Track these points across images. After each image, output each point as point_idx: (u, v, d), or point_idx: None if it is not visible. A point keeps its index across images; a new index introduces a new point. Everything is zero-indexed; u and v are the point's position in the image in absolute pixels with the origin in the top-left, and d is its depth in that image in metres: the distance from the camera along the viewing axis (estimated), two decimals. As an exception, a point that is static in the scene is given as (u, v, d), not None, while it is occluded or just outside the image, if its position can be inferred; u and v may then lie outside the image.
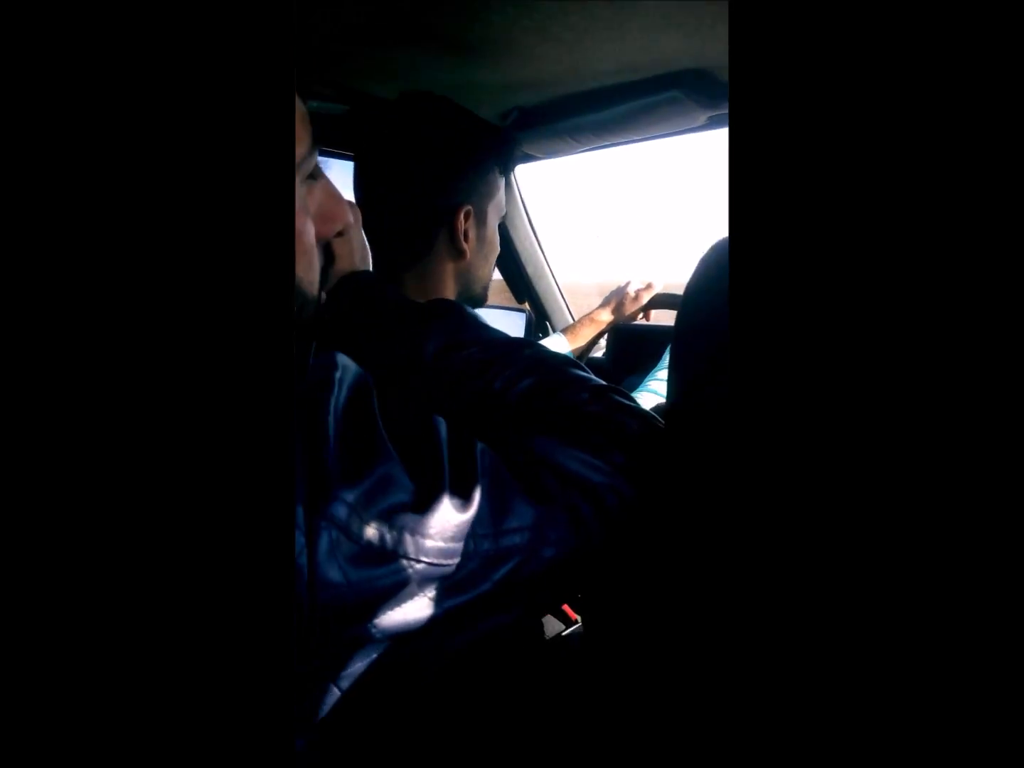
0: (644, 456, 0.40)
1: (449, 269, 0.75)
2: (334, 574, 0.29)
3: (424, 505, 0.31)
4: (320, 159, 0.42)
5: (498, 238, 0.82)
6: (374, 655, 0.31)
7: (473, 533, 0.33)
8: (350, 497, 0.30)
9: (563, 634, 0.87)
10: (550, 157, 1.15)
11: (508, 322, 1.24)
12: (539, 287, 1.42)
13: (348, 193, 0.55)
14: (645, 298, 1.12)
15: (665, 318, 1.16)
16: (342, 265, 0.51)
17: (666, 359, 0.83)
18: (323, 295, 0.45)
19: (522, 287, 1.42)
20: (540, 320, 1.45)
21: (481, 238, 0.77)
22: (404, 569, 0.31)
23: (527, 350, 0.47)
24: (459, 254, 0.74)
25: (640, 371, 1.02)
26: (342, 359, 0.34)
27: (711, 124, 0.92)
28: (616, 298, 1.13)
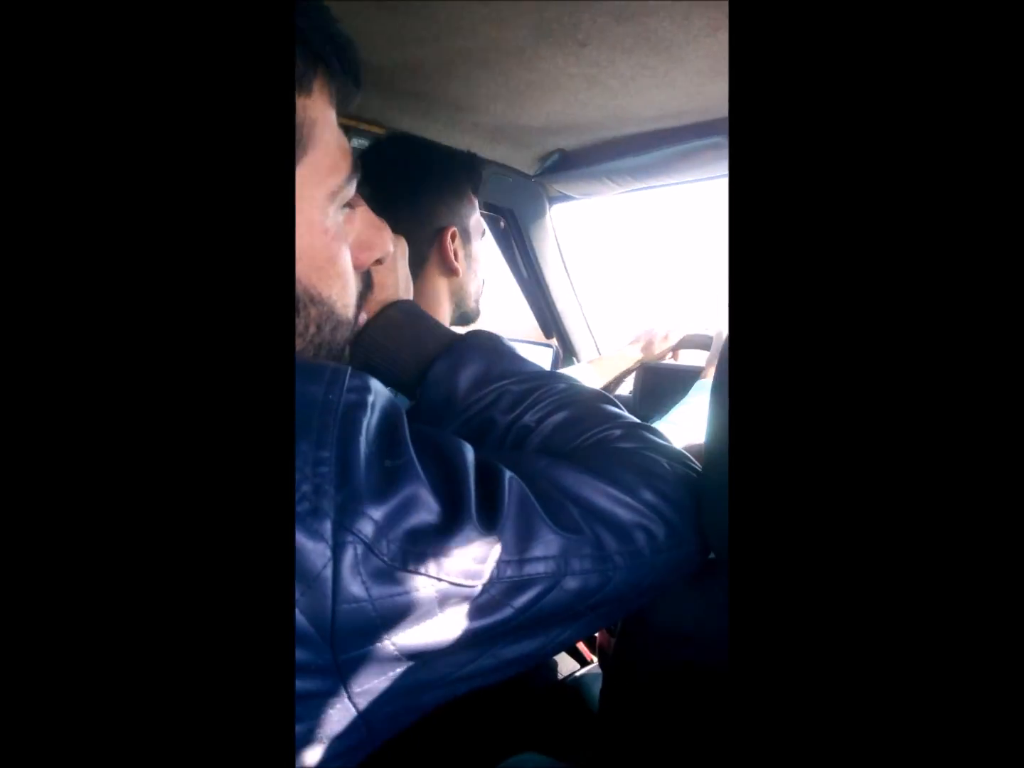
0: (676, 496, 0.40)
1: (443, 287, 0.85)
2: (356, 589, 0.29)
3: (449, 527, 0.32)
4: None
5: (483, 255, 0.91)
6: (391, 673, 0.32)
7: (497, 559, 0.33)
8: (377, 514, 0.30)
9: (576, 675, 0.86)
10: (587, 198, 1.17)
11: (535, 357, 1.25)
12: (568, 323, 1.44)
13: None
14: (675, 337, 1.12)
15: (693, 358, 1.16)
16: (383, 294, 0.52)
17: (690, 394, 0.84)
18: (361, 318, 0.46)
19: (551, 322, 1.44)
20: (568, 356, 1.46)
21: (468, 255, 0.87)
22: (426, 587, 0.31)
23: (561, 384, 0.47)
24: (451, 271, 0.84)
25: (667, 410, 1.02)
26: (375, 383, 0.35)
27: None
28: (646, 336, 1.14)
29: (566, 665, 0.90)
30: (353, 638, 0.30)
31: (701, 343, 1.14)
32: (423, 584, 0.31)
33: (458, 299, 0.86)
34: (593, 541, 0.36)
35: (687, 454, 0.44)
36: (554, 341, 1.45)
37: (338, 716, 0.31)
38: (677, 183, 1.03)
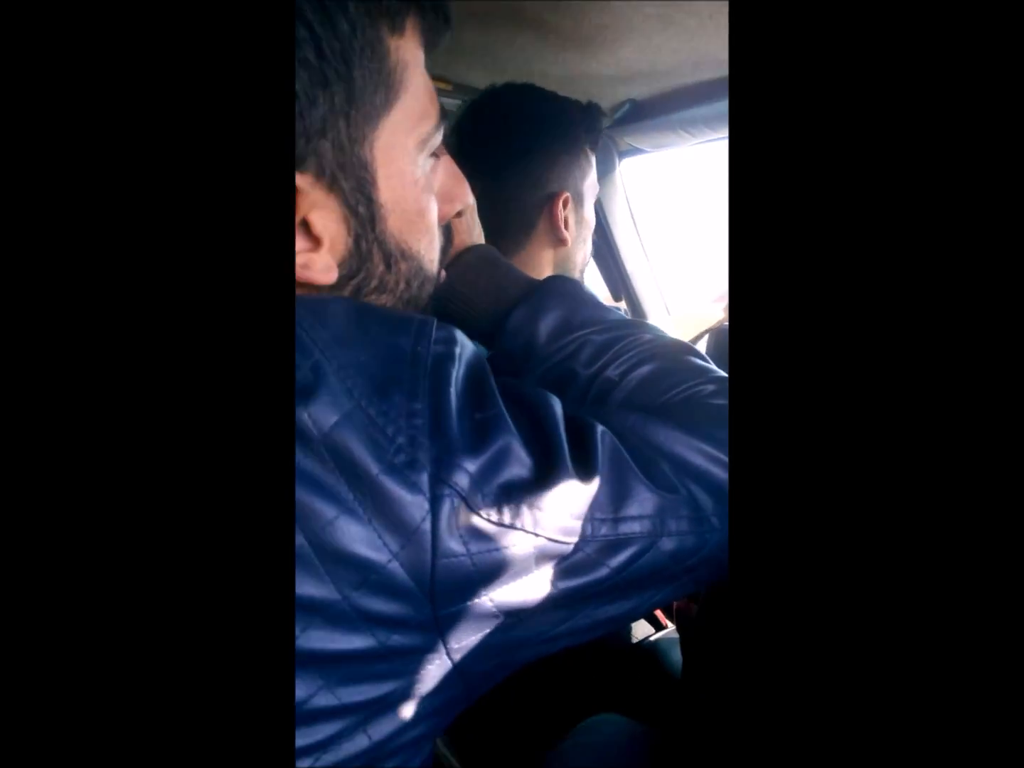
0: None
1: (548, 256, 0.76)
2: (455, 543, 0.29)
3: (543, 481, 0.31)
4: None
5: (594, 216, 0.81)
6: (488, 629, 0.32)
7: (591, 516, 0.32)
8: (472, 467, 0.30)
9: (652, 639, 0.86)
10: (659, 150, 1.12)
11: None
12: (637, 284, 1.40)
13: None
14: None
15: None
16: (462, 241, 0.51)
17: None
18: (442, 274, 0.45)
19: (619, 282, 1.40)
20: (636, 319, 1.42)
21: (579, 221, 0.77)
22: (523, 543, 0.31)
23: (646, 334, 0.45)
24: (559, 242, 0.74)
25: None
26: (460, 335, 0.34)
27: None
28: (717, 298, 1.09)
29: (641, 628, 0.89)
30: (452, 593, 0.30)
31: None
32: (520, 540, 0.30)
33: (562, 270, 0.78)
34: (689, 501, 0.35)
35: None
36: (623, 303, 1.41)
37: (436, 672, 0.31)
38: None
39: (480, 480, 0.30)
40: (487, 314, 0.49)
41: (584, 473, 0.32)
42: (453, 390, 0.31)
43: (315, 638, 0.28)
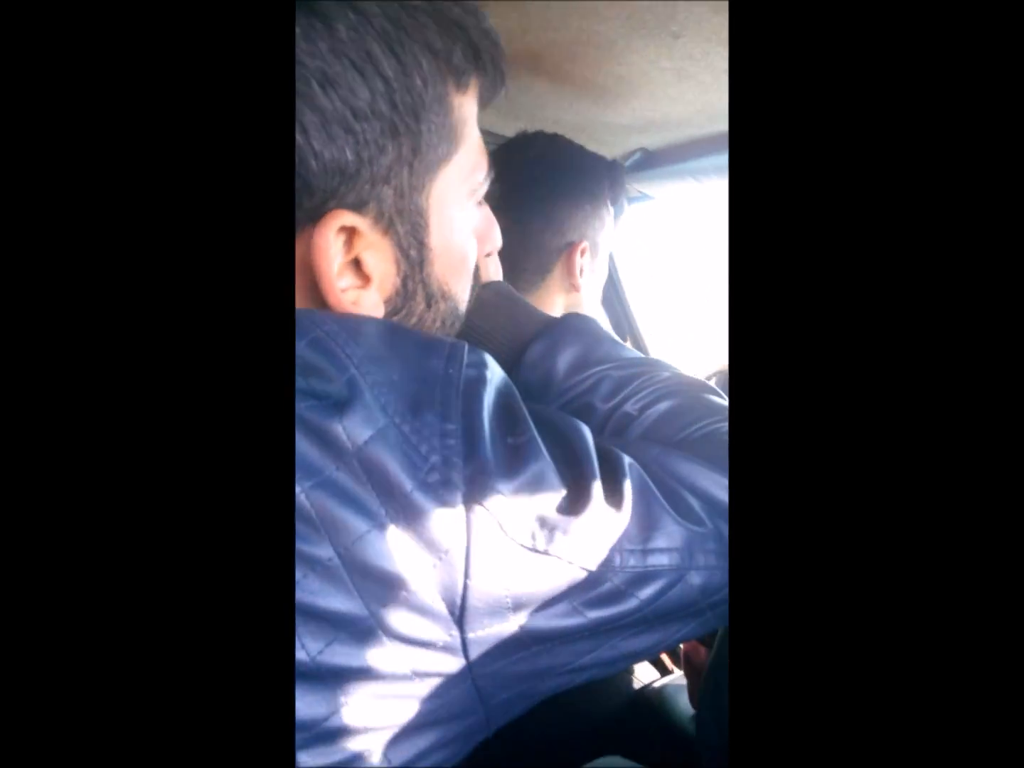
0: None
1: (559, 301, 0.78)
2: (487, 566, 0.29)
3: (575, 508, 0.31)
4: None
5: (606, 269, 0.83)
6: (515, 656, 0.31)
7: (620, 547, 0.32)
8: (506, 490, 0.30)
9: (657, 684, 0.84)
10: (669, 199, 1.15)
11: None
12: (642, 325, 1.41)
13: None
14: None
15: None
16: (481, 278, 0.52)
17: None
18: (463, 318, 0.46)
19: (625, 323, 1.41)
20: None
21: (593, 271, 0.79)
22: (554, 569, 0.31)
23: (664, 372, 0.46)
24: (572, 288, 0.76)
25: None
26: (491, 360, 0.35)
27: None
28: (722, 343, 1.11)
29: (646, 673, 0.88)
30: (481, 616, 0.30)
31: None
32: (552, 566, 0.30)
33: None
34: (716, 535, 0.35)
35: None
36: (628, 343, 1.43)
37: (459, 697, 0.31)
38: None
39: (514, 504, 0.30)
40: (505, 348, 0.50)
41: (614, 503, 0.33)
42: (485, 413, 0.31)
43: (339, 653, 0.28)
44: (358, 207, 0.34)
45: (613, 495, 0.33)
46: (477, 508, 0.29)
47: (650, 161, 1.03)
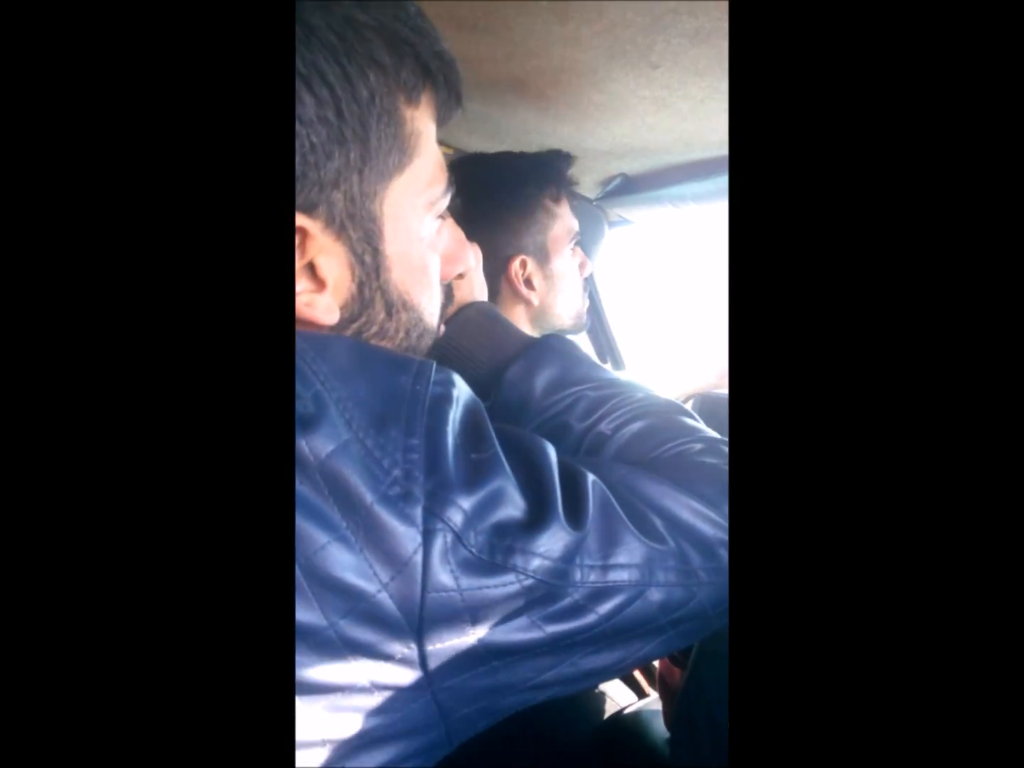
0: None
1: (520, 314, 0.80)
2: (446, 578, 0.30)
3: (535, 524, 0.32)
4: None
5: (576, 261, 0.83)
6: (475, 671, 0.31)
7: (581, 562, 0.33)
8: (466, 504, 0.30)
9: (634, 708, 0.83)
10: (648, 223, 1.16)
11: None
12: (622, 347, 1.42)
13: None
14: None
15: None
16: (463, 297, 0.54)
17: None
18: (441, 328, 0.46)
19: (605, 345, 1.43)
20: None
21: (550, 275, 0.80)
22: (513, 583, 0.31)
23: (639, 392, 0.47)
24: (525, 300, 0.78)
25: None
26: (458, 378, 0.36)
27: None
28: (699, 365, 1.12)
29: (623, 696, 0.87)
30: (440, 629, 0.30)
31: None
32: (510, 579, 0.31)
33: (543, 323, 0.81)
34: (677, 553, 0.36)
35: None
36: (608, 365, 1.44)
37: (419, 711, 0.31)
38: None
39: (473, 517, 0.31)
40: (485, 366, 0.51)
41: (575, 519, 0.33)
42: (450, 429, 0.32)
43: (298, 664, 0.28)
44: (307, 209, 0.34)
45: (574, 512, 0.33)
46: (437, 521, 0.30)
47: (630, 186, 1.05)
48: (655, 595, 0.35)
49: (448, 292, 0.48)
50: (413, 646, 0.30)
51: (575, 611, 0.33)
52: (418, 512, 0.29)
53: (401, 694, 0.30)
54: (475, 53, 0.69)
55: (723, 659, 0.47)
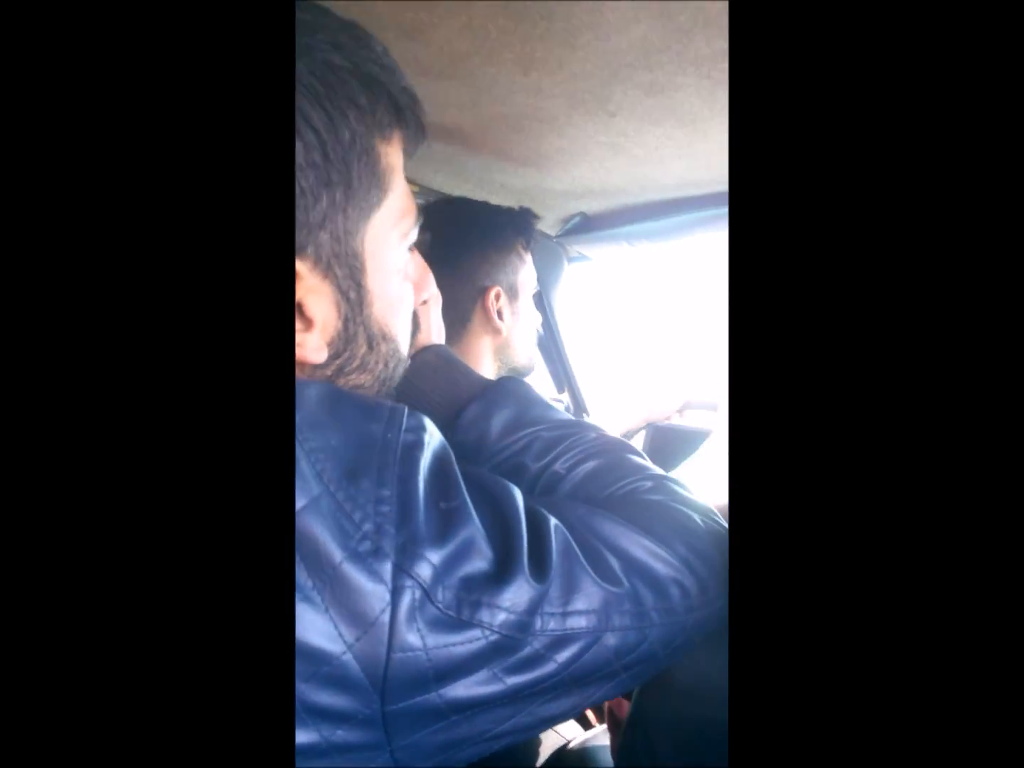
0: (708, 552, 0.41)
1: (487, 344, 0.84)
2: (412, 637, 0.29)
3: (502, 576, 0.32)
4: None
5: (532, 309, 0.90)
6: (435, 726, 0.31)
7: (541, 610, 0.33)
8: (435, 558, 0.30)
9: (581, 741, 0.84)
10: (605, 260, 1.20)
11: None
12: (579, 379, 1.45)
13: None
14: (681, 398, 1.14)
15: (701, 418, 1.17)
16: (422, 337, 0.54)
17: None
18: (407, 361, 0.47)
19: (563, 377, 1.45)
20: (577, 412, 1.46)
21: (516, 312, 0.86)
22: (480, 639, 0.31)
23: (592, 433, 0.48)
24: (495, 331, 0.83)
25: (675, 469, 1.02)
26: (429, 423, 0.36)
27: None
28: (652, 396, 1.15)
29: (567, 729, 0.87)
30: (403, 689, 0.29)
31: (707, 404, 1.15)
32: (476, 635, 0.31)
33: (504, 356, 0.86)
34: (632, 595, 0.36)
35: (714, 510, 0.45)
36: (565, 396, 1.46)
37: None
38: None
39: (442, 572, 0.30)
40: (442, 408, 0.51)
41: (540, 571, 0.33)
42: (421, 478, 0.32)
43: None
44: (297, 251, 0.35)
45: (539, 563, 0.33)
46: (407, 578, 0.29)
47: (588, 225, 1.08)
48: (610, 640, 0.35)
49: (415, 320, 0.49)
50: (375, 707, 0.29)
51: (535, 661, 0.33)
52: (387, 568, 0.29)
53: (359, 755, 0.30)
54: (442, 98, 0.71)
55: (666, 687, 0.48)
